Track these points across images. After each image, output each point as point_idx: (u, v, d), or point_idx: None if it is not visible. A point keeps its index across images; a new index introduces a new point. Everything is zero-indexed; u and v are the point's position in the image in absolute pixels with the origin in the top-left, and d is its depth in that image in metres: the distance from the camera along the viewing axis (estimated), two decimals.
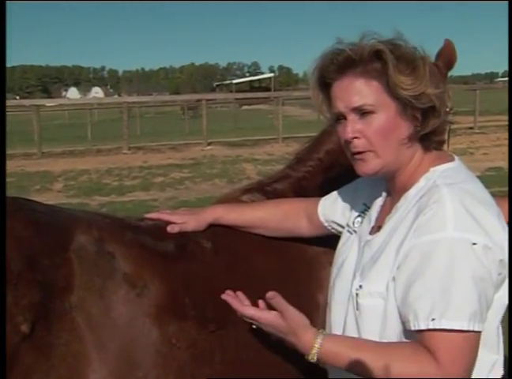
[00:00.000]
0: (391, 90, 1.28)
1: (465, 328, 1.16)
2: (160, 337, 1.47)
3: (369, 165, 1.34)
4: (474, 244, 1.18)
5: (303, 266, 1.77)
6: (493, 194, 1.35)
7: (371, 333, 1.30)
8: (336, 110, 1.34)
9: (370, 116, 1.31)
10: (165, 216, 1.73)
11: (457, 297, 1.17)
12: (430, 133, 1.33)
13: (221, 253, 1.68)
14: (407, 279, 1.23)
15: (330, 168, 1.95)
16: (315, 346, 1.27)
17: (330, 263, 1.74)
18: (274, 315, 1.33)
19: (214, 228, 1.74)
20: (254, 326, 1.40)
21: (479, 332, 1.19)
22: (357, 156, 1.35)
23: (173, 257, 1.59)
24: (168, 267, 1.55)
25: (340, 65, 1.32)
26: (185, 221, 1.70)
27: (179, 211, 1.81)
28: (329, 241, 1.77)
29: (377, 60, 1.29)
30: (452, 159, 1.38)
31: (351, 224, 1.54)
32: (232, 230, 1.76)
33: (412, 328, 1.20)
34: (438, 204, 1.23)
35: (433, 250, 1.20)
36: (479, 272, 1.18)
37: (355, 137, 1.32)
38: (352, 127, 1.32)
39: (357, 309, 1.34)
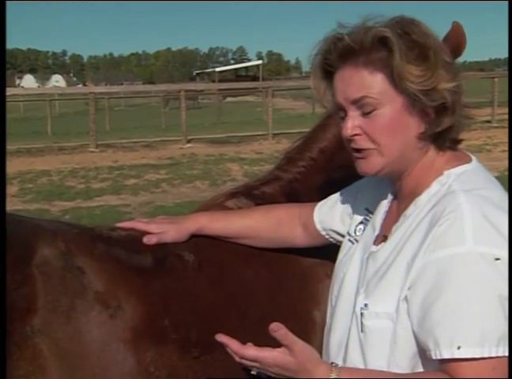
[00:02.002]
0: (397, 82, 1.28)
1: (494, 355, 1.16)
2: (137, 365, 1.47)
3: (370, 164, 1.36)
4: (497, 259, 1.19)
5: (296, 279, 1.79)
6: None
7: (378, 357, 1.31)
8: (337, 102, 1.37)
9: (374, 113, 1.32)
10: (141, 225, 1.74)
11: (481, 320, 1.17)
12: (444, 131, 1.34)
13: (205, 266, 1.69)
14: (423, 300, 1.23)
15: (325, 168, 1.98)
16: None
17: (327, 275, 1.76)
18: (281, 352, 1.29)
19: (197, 239, 1.75)
20: (253, 372, 1.35)
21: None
22: (358, 154, 1.37)
23: (151, 272, 1.60)
24: (145, 283, 1.56)
25: (340, 53, 1.33)
26: (164, 231, 1.70)
27: (157, 219, 1.82)
28: (326, 251, 1.79)
29: (382, 48, 1.29)
30: (468, 160, 1.38)
31: (352, 232, 1.55)
32: (217, 241, 1.78)
33: (433, 357, 1.21)
34: (456, 214, 1.23)
35: (451, 267, 1.20)
36: (505, 291, 1.18)
37: (356, 134, 1.35)
38: (352, 123, 1.34)
39: (362, 331, 1.35)
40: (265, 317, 1.67)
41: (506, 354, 1.17)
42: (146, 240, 1.67)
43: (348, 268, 1.49)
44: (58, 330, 1.41)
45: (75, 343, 1.42)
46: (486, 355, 1.16)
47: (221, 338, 1.34)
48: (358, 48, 1.30)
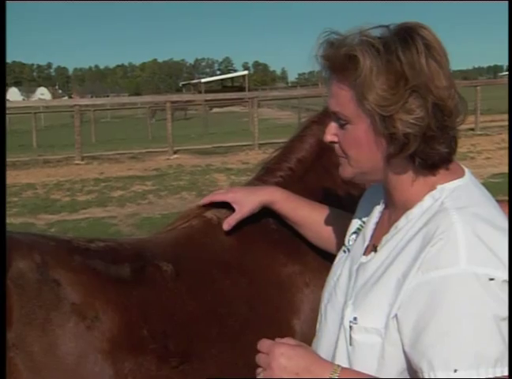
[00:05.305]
0: (360, 103, 1.28)
1: (491, 376, 1.15)
2: (115, 376, 1.47)
3: (343, 170, 1.41)
4: (491, 279, 1.17)
5: (275, 289, 1.80)
6: (497, 200, 1.35)
7: (365, 371, 1.30)
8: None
9: (346, 126, 1.34)
10: (219, 197, 1.88)
11: (477, 341, 1.15)
12: (422, 153, 1.29)
13: (183, 276, 1.69)
14: (416, 321, 1.21)
15: (303, 178, 1.99)
16: None
17: (306, 284, 1.77)
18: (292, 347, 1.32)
19: (175, 249, 1.76)
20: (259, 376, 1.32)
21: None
22: (339, 158, 1.41)
23: (128, 282, 1.60)
24: (123, 294, 1.56)
25: (324, 66, 1.35)
26: (238, 203, 1.83)
27: (234, 188, 1.93)
28: (305, 259, 1.81)
29: (352, 66, 1.27)
30: (462, 174, 1.36)
31: (346, 242, 1.55)
32: (195, 251, 1.78)
33: (427, 377, 1.18)
34: (448, 234, 1.22)
35: (444, 288, 1.18)
36: (500, 311, 1.17)
37: (333, 141, 1.39)
38: (330, 131, 1.39)
39: (350, 345, 1.34)
40: (244, 326, 1.68)
41: (505, 374, 1.16)
42: (225, 227, 1.80)
43: (339, 278, 1.49)
44: (34, 343, 1.41)
45: (51, 356, 1.42)
46: (483, 377, 1.15)
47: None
48: (332, 65, 1.32)
